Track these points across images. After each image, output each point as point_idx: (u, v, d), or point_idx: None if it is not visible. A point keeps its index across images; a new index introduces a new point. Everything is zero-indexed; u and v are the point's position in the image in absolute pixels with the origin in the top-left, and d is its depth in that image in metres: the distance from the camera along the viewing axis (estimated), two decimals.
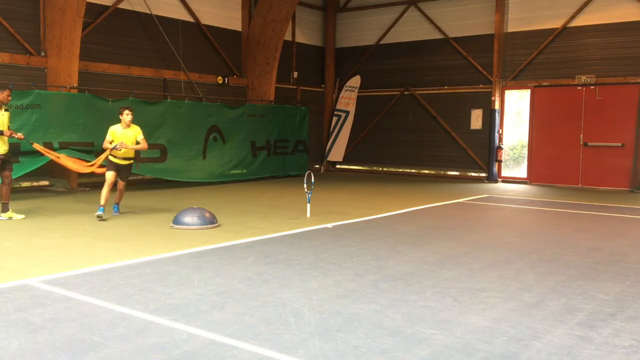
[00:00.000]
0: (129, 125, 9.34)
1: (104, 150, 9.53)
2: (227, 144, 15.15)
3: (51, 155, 10.02)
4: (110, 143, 9.22)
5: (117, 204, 9.60)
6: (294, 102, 18.24)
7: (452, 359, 3.71)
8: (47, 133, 11.51)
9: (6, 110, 8.90)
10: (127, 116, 9.31)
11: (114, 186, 9.39)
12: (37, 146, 9.70)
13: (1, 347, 3.77)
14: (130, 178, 14.20)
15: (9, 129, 8.88)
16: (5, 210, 8.88)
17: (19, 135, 9.03)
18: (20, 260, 6.25)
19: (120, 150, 9.17)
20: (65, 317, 4.36)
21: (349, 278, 5.68)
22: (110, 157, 9.31)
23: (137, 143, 9.43)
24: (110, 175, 9.25)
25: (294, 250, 6.95)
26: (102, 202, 9.03)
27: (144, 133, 9.62)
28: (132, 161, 9.55)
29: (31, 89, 11.46)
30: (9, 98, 8.91)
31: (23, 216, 9.00)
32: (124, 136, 9.26)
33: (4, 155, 8.84)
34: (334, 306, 4.75)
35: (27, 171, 11.13)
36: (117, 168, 9.32)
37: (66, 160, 10.01)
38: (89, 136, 12.09)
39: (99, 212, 8.93)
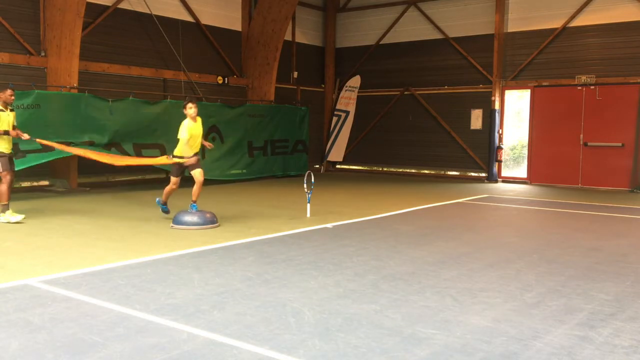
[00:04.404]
0: (195, 119, 8.80)
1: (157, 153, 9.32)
2: (227, 143, 15.14)
3: (62, 147, 10.02)
4: (187, 142, 8.65)
5: (195, 202, 8.79)
6: (294, 102, 18.23)
7: (452, 359, 3.71)
8: (45, 133, 11.49)
9: (11, 110, 8.92)
10: (190, 109, 8.67)
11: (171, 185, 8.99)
12: (41, 141, 9.67)
13: (1, 347, 3.77)
14: (130, 178, 14.38)
15: (14, 128, 8.90)
16: (4, 210, 8.89)
17: (25, 136, 8.99)
18: (20, 260, 6.25)
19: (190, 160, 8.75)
20: (65, 317, 4.36)
21: (349, 278, 5.68)
22: (177, 159, 8.78)
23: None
24: (176, 180, 8.92)
25: (294, 250, 6.95)
26: (164, 198, 9.10)
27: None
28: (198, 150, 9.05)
29: (31, 89, 11.46)
30: (12, 98, 8.90)
31: (23, 216, 8.99)
32: (197, 130, 8.79)
33: (10, 154, 8.86)
34: (334, 306, 4.75)
35: (31, 165, 11.12)
36: (183, 168, 8.86)
37: (84, 152, 9.90)
38: (88, 136, 12.09)
39: (164, 209, 9.14)
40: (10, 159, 8.87)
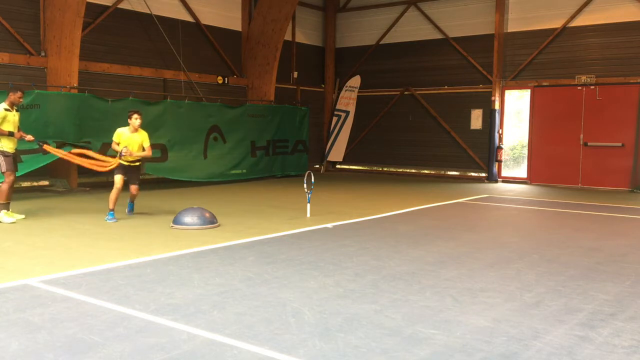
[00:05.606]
0: (137, 130, 9.09)
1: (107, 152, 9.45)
2: (227, 143, 15.15)
3: (60, 153, 9.93)
4: (117, 145, 9.01)
5: (132, 202, 9.40)
6: (294, 102, 18.24)
7: (452, 359, 3.71)
8: (45, 133, 11.50)
9: (17, 111, 8.91)
10: (136, 120, 9.03)
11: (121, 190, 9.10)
12: (48, 147, 9.66)
13: (1, 347, 3.77)
14: None
15: (19, 130, 8.89)
16: (6, 209, 8.90)
17: (29, 137, 9.00)
18: (20, 260, 6.25)
19: (127, 156, 8.96)
20: (65, 317, 4.36)
21: (349, 278, 5.68)
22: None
23: (143, 149, 9.18)
24: (119, 179, 8.98)
25: (294, 250, 6.95)
26: (111, 205, 8.81)
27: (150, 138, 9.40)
28: (139, 163, 9.34)
29: (31, 89, 11.45)
30: (21, 100, 8.92)
31: (23, 216, 8.99)
32: (130, 140, 9.01)
33: (14, 153, 8.86)
34: (334, 306, 4.75)
35: (30, 170, 11.11)
36: (125, 171, 9.08)
37: (77, 159, 9.84)
38: (87, 136, 12.09)
39: (109, 218, 8.74)
40: (14, 158, 8.86)
